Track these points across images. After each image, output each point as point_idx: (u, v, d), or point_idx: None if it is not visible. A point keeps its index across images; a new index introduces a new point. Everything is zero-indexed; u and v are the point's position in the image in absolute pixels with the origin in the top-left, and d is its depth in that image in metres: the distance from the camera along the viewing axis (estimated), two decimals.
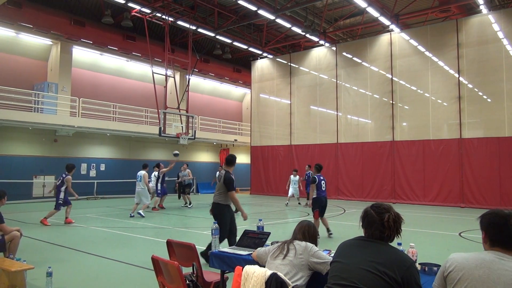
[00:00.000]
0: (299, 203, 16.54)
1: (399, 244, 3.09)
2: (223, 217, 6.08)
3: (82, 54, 20.46)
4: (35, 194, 17.51)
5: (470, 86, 16.57)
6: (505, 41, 15.76)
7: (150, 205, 13.59)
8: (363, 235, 2.48)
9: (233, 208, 6.42)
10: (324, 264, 2.88)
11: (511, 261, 1.94)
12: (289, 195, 16.57)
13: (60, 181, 10.57)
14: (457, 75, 16.64)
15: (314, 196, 8.85)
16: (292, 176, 16.74)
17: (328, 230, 8.99)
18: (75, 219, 11.26)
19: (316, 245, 3.12)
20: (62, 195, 10.45)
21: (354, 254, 2.38)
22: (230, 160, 6.53)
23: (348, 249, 2.46)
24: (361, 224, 2.47)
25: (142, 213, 12.21)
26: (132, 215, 12.15)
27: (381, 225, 2.36)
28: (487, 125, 16.05)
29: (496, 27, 15.97)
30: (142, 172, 12.53)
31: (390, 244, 2.41)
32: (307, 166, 16.70)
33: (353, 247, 2.44)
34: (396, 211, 2.43)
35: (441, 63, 17.33)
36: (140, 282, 5.35)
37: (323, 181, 8.99)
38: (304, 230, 3.20)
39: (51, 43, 19.14)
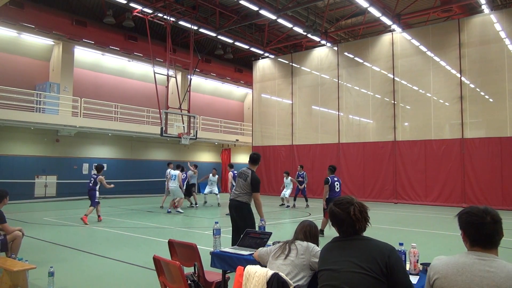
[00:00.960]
0: (282, 204, 16.21)
1: (401, 244, 3.09)
2: (252, 217, 5.86)
3: (84, 54, 20.49)
4: (37, 194, 17.54)
5: (472, 86, 16.53)
6: (507, 41, 15.72)
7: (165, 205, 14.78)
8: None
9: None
10: None
11: (491, 260, 1.92)
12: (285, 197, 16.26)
13: (92, 182, 11.35)
14: (459, 75, 16.61)
15: (327, 197, 8.89)
16: (284, 178, 16.49)
17: (321, 231, 9.09)
18: (76, 219, 11.28)
19: (317, 245, 3.11)
20: (97, 194, 11.31)
21: (337, 258, 2.36)
22: (256, 159, 6.14)
23: (329, 254, 2.44)
24: (331, 224, 2.49)
25: (180, 210, 13.55)
26: (169, 210, 13.66)
27: (349, 219, 2.37)
28: (489, 125, 16.02)
29: (498, 27, 15.93)
30: (177, 172, 13.94)
31: (364, 235, 2.42)
32: (299, 166, 16.66)
33: (334, 251, 2.42)
34: (359, 200, 2.44)
35: (443, 63, 17.30)
36: (142, 282, 5.35)
37: (336, 182, 9.04)
38: (305, 230, 3.19)
39: (53, 43, 19.17)
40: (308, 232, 3.18)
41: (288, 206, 15.94)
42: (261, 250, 3.31)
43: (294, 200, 16.22)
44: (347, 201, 2.44)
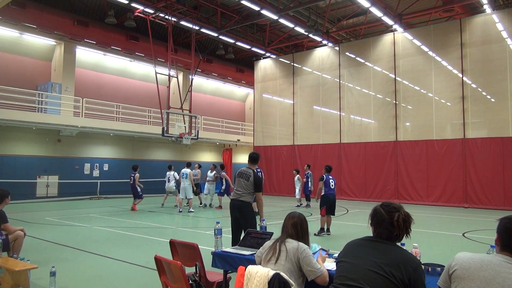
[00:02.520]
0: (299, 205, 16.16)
1: (402, 244, 3.09)
2: (254, 216, 5.88)
3: (86, 54, 20.52)
4: (39, 194, 17.57)
5: (473, 86, 16.51)
6: (509, 41, 15.69)
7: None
8: (371, 234, 2.48)
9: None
10: (311, 272, 2.79)
11: None
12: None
13: (132, 180, 13.92)
14: (460, 75, 16.58)
15: (322, 194, 9.17)
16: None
17: (327, 230, 9.21)
18: (78, 219, 11.31)
19: (308, 239, 3.07)
20: (139, 189, 13.99)
21: (361, 254, 2.37)
22: (256, 158, 6.23)
23: (355, 248, 2.46)
24: (370, 222, 2.46)
25: (192, 209, 13.76)
26: (181, 210, 13.68)
27: (390, 224, 2.35)
28: (491, 125, 15.98)
29: (500, 26, 15.90)
30: (188, 170, 13.99)
31: (397, 244, 2.40)
32: (306, 165, 16.60)
33: (360, 247, 2.44)
34: (407, 211, 2.41)
35: (444, 63, 17.27)
36: (143, 282, 5.35)
37: (331, 180, 9.29)
38: (295, 223, 3.07)
39: (54, 43, 19.20)
40: (299, 226, 3.06)
41: (299, 205, 15.81)
42: (258, 252, 3.19)
43: (306, 199, 16.14)
44: (395, 206, 2.43)
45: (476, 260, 2.03)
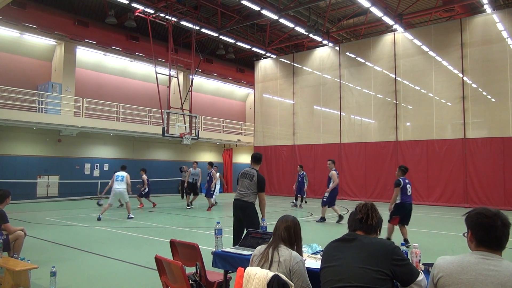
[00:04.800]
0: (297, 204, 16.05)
1: (403, 244, 3.09)
2: (256, 216, 5.85)
3: (86, 55, 20.53)
4: (39, 194, 17.58)
5: (474, 85, 16.50)
6: (509, 41, 15.68)
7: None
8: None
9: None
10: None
11: (495, 259, 1.94)
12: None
13: (209, 177, 14.56)
14: (461, 75, 16.57)
15: (397, 201, 7.78)
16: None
17: (406, 240, 7.59)
18: (78, 219, 11.31)
19: (301, 244, 3.02)
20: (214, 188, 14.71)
21: (340, 255, 2.43)
22: (259, 158, 6.26)
23: (333, 252, 2.51)
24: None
25: (131, 215, 11.84)
26: (100, 217, 11.27)
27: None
28: (491, 125, 15.97)
29: (500, 26, 15.89)
30: (124, 173, 12.16)
31: (371, 236, 2.52)
32: (298, 166, 16.54)
33: (338, 249, 2.50)
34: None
35: (445, 63, 17.26)
36: (144, 282, 5.35)
37: (408, 185, 7.92)
38: (289, 226, 2.95)
39: (55, 43, 19.21)
40: (292, 230, 2.95)
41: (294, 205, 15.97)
42: (252, 256, 3.03)
43: (301, 200, 16.17)
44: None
45: (455, 263, 1.99)
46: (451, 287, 1.96)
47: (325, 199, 11.39)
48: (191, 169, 15.47)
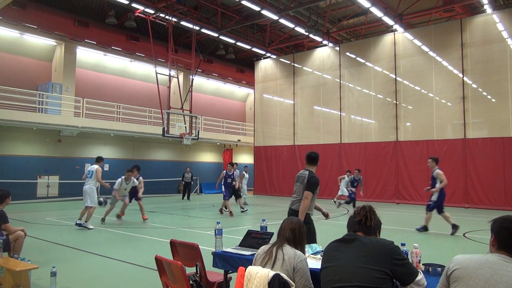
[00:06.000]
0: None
1: (403, 244, 3.08)
2: (311, 226, 4.95)
3: (86, 55, 20.54)
4: (40, 194, 17.58)
5: (474, 86, 16.50)
6: (509, 41, 15.67)
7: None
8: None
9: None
10: (305, 287, 2.70)
11: None
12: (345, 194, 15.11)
13: (230, 179, 13.19)
14: (461, 75, 16.57)
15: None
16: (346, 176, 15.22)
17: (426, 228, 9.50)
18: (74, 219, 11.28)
19: (304, 245, 3.05)
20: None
21: (340, 255, 2.47)
22: (315, 158, 5.29)
23: (333, 252, 2.55)
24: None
25: (88, 226, 9.65)
26: (79, 223, 9.70)
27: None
28: (492, 125, 15.97)
29: (500, 26, 15.89)
30: (95, 167, 9.90)
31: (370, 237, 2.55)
32: (356, 170, 15.18)
33: (338, 249, 2.54)
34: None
35: (445, 63, 17.26)
36: (144, 282, 5.35)
37: None
38: (294, 227, 3.00)
39: (55, 43, 19.22)
40: (297, 230, 2.99)
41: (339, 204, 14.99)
42: (256, 255, 3.04)
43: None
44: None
45: (474, 259, 2.06)
46: (464, 279, 2.01)
47: (431, 203, 9.91)
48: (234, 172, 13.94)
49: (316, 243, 4.45)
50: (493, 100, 16.18)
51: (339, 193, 15.14)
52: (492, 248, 2.13)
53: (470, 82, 16.50)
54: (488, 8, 16.13)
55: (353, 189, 14.68)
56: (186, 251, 4.01)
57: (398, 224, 11.12)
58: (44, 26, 17.64)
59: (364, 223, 2.61)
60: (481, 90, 16.44)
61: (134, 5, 16.88)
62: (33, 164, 17.50)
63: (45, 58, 19.40)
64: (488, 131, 16.03)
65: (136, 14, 17.94)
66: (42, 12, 17.39)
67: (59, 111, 17.97)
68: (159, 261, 3.54)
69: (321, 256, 3.43)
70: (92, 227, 9.69)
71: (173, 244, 4.12)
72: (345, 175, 15.14)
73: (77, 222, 9.72)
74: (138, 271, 5.91)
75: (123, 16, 19.36)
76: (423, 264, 3.02)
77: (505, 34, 15.78)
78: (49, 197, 17.75)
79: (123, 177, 11.07)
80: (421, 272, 2.46)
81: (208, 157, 26.19)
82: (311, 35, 19.48)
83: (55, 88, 18.35)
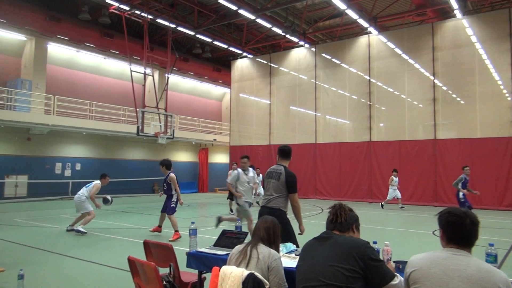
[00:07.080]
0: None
1: (375, 242, 3.14)
2: (289, 227, 4.66)
3: (58, 51, 19.98)
4: (7, 194, 17.01)
5: (444, 88, 17.01)
6: (478, 45, 16.24)
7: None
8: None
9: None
10: (279, 285, 2.73)
11: (463, 255, 2.03)
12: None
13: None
14: (432, 78, 17.06)
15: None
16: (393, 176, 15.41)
17: None
18: (48, 220, 10.96)
19: (279, 244, 3.08)
20: None
21: (314, 253, 2.51)
22: (288, 152, 4.95)
23: (308, 250, 2.59)
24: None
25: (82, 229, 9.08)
26: (70, 228, 9.38)
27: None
28: (460, 126, 16.52)
29: (469, 31, 16.44)
30: (97, 181, 9.66)
31: (346, 234, 2.61)
32: (393, 171, 15.52)
33: (313, 247, 2.57)
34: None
35: (417, 66, 17.73)
36: (116, 284, 5.26)
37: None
38: (268, 227, 3.01)
39: (25, 38, 18.61)
40: (271, 230, 3.01)
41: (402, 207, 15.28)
42: (230, 255, 3.05)
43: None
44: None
45: (425, 258, 2.10)
46: (420, 280, 2.04)
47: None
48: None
49: (295, 242, 4.40)
50: (462, 102, 16.73)
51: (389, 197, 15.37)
52: (442, 242, 2.17)
53: (441, 85, 17.00)
54: (458, 13, 16.65)
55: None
56: (159, 252, 3.97)
57: (370, 223, 11.33)
58: (14, 21, 17.05)
59: (335, 221, 2.66)
60: (450, 92, 16.98)
61: (108, 1, 16.53)
62: (0, 163, 16.90)
63: (14, 54, 18.76)
64: (457, 132, 16.57)
65: (111, 10, 17.59)
66: (11, 6, 16.77)
67: (29, 108, 17.43)
68: (132, 262, 3.49)
69: (295, 255, 3.47)
70: (85, 231, 9.02)
71: (147, 245, 4.08)
72: (392, 176, 15.36)
73: (68, 228, 9.34)
74: (110, 273, 5.80)
75: (97, 12, 18.93)
76: (393, 262, 3.08)
77: (474, 39, 16.34)
78: (17, 197, 17.18)
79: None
80: (399, 276, 2.41)
81: (183, 157, 25.96)
82: (287, 36, 19.61)
83: (24, 84, 17.78)
